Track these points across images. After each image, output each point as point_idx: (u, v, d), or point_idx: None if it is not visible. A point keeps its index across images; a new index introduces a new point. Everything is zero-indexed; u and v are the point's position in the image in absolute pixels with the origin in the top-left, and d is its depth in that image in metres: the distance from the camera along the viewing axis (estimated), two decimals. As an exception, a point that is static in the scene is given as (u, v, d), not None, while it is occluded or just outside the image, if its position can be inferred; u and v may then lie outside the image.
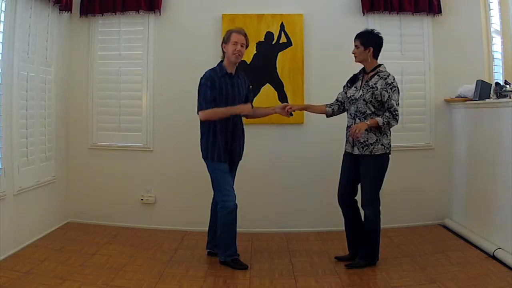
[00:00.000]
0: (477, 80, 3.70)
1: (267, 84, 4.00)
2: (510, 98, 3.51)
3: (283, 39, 4.01)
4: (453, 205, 4.03)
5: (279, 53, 4.00)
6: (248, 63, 3.98)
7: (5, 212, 3.14)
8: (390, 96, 2.95)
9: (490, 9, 4.20)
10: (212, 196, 3.26)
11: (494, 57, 4.17)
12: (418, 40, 4.10)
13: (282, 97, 3.99)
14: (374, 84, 3.00)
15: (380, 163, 3.02)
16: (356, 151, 3.04)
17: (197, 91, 3.09)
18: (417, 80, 4.09)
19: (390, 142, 3.07)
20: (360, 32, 3.11)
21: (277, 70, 4.00)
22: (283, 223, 4.00)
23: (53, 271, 2.92)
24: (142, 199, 4.07)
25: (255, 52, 3.99)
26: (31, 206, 3.52)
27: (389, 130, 3.06)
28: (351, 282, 2.85)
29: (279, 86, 4.00)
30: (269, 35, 4.00)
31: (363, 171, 3.05)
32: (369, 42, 3.03)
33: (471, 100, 3.75)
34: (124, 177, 4.09)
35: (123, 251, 3.39)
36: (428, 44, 4.09)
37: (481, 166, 3.59)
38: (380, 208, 3.06)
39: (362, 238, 3.09)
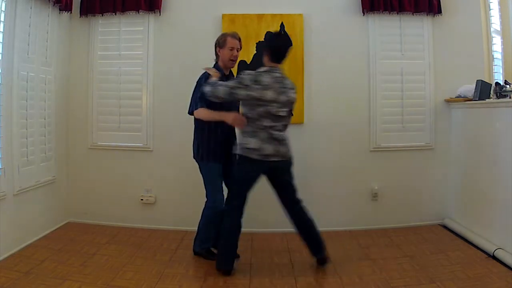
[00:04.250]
0: (477, 80, 3.70)
1: (267, 84, 4.00)
2: (510, 98, 3.52)
3: (283, 39, 4.00)
4: (453, 205, 4.03)
5: (279, 53, 4.00)
6: (248, 63, 3.98)
7: (5, 212, 3.14)
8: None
9: (490, 9, 4.21)
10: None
11: (494, 57, 4.18)
12: (418, 40, 4.10)
13: (282, 97, 3.98)
14: None
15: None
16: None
17: (193, 90, 3.11)
18: (417, 80, 4.08)
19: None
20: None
21: (277, 70, 3.99)
22: (283, 223, 3.98)
23: (53, 271, 2.92)
24: (142, 199, 4.07)
25: (255, 52, 3.99)
26: (31, 206, 3.52)
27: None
28: (351, 282, 2.85)
29: (279, 86, 3.99)
30: (269, 35, 4.00)
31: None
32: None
33: (471, 100, 3.75)
34: (124, 177, 4.09)
35: (123, 251, 3.40)
36: (428, 44, 4.09)
37: (481, 166, 3.59)
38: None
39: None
